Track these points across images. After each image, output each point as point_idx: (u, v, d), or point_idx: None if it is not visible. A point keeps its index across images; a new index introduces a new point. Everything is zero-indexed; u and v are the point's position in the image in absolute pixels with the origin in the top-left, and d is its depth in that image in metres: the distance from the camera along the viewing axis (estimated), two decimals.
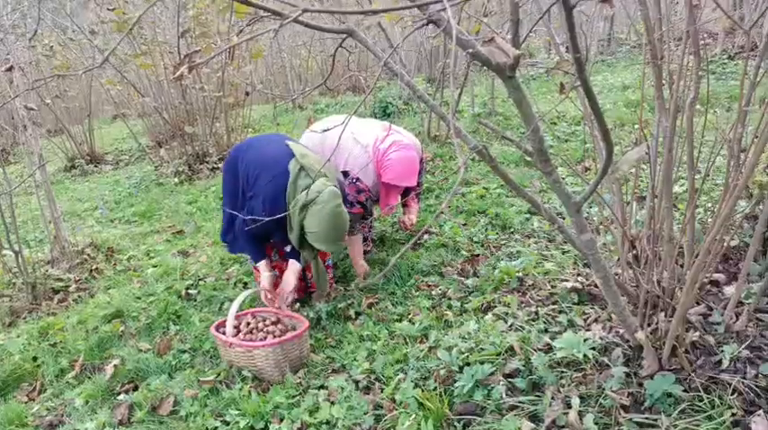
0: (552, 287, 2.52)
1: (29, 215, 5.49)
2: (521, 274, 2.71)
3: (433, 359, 2.14)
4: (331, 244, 2.56)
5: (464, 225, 3.78)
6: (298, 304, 3.00)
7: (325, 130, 2.76)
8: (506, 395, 1.81)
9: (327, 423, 1.99)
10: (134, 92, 6.87)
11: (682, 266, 1.97)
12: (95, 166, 7.80)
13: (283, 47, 9.62)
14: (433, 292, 2.89)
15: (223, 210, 2.95)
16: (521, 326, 2.20)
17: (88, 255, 3.90)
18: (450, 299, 2.76)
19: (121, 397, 2.44)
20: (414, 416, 1.83)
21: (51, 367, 2.71)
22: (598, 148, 2.06)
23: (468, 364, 2.02)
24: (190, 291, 3.33)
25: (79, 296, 3.50)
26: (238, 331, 2.61)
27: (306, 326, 2.50)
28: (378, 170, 3.18)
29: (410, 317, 2.67)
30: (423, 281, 3.06)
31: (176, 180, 6.12)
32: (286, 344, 2.40)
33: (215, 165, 6.42)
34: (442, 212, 3.99)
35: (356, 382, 2.18)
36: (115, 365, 2.60)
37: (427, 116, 5.72)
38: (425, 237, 3.64)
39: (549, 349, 1.98)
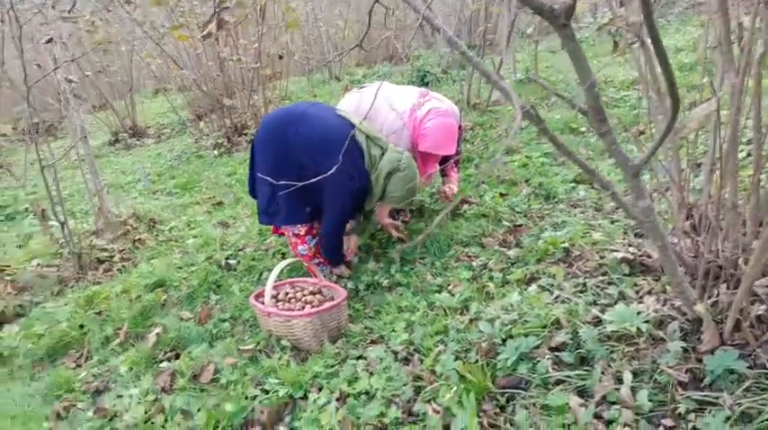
0: (601, 258, 2.39)
1: (75, 188, 5.64)
2: (566, 245, 2.59)
3: (474, 331, 2.07)
4: (408, 199, 2.85)
5: (505, 195, 3.66)
6: (335, 277, 2.98)
7: (362, 87, 2.75)
8: (552, 369, 1.73)
9: (366, 393, 1.96)
10: (173, 65, 6.91)
11: (744, 235, 1.82)
12: (138, 140, 7.94)
13: (319, 16, 9.48)
14: (474, 263, 2.80)
15: (252, 185, 2.91)
16: (567, 299, 2.10)
17: (131, 225, 3.97)
18: (491, 270, 2.67)
19: (164, 364, 2.47)
20: (455, 388, 1.78)
21: (97, 335, 2.78)
22: (653, 113, 1.91)
23: (511, 337, 1.94)
24: (230, 261, 3.35)
25: (123, 266, 3.58)
26: (277, 301, 2.60)
27: (344, 297, 2.47)
28: (414, 138, 3.08)
29: (450, 288, 2.60)
30: (463, 252, 2.97)
31: (215, 152, 6.16)
32: (324, 314, 2.37)
33: (253, 138, 6.42)
34: (482, 182, 3.88)
35: (395, 353, 2.13)
36: (158, 333, 2.64)
37: (467, 83, 5.55)
38: (465, 206, 3.53)
39: (598, 322, 1.88)
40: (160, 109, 9.83)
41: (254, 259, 3.34)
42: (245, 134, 6.52)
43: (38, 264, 3.71)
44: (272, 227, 2.99)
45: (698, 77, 1.92)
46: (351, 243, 3.06)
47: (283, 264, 2.52)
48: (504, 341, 1.93)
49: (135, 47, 7.00)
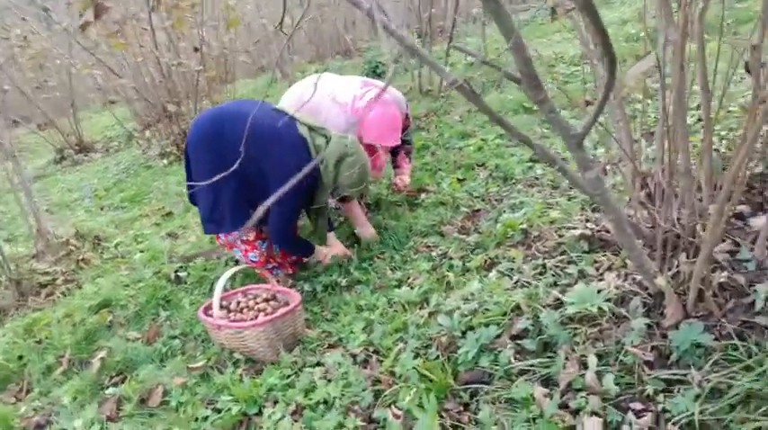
0: (560, 236, 2.31)
1: (18, 211, 5.32)
2: (525, 226, 2.50)
3: (433, 325, 1.97)
4: (362, 185, 2.68)
5: (463, 180, 3.57)
6: (290, 280, 2.84)
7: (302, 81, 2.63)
8: (515, 359, 1.64)
9: (324, 402, 1.83)
10: (113, 75, 6.60)
11: (701, 200, 1.76)
12: (85, 155, 7.61)
13: (264, 14, 9.24)
14: (433, 253, 2.70)
15: (191, 194, 2.75)
16: (527, 282, 2.01)
17: (74, 245, 3.74)
18: (450, 259, 2.57)
19: (109, 391, 2.30)
20: (415, 389, 1.67)
21: (38, 365, 2.58)
22: (600, 82, 1.83)
23: (471, 328, 1.83)
24: (179, 274, 3.17)
25: (67, 288, 3.36)
26: (229, 311, 2.45)
27: (298, 301, 2.33)
28: (359, 130, 2.96)
29: (409, 281, 2.49)
30: (422, 242, 2.87)
31: (164, 162, 5.92)
32: (278, 322, 2.23)
33: (186, 142, 6.20)
34: (439, 169, 3.78)
35: (353, 357, 2.01)
36: (102, 358, 2.45)
37: (417, 71, 5.45)
38: (422, 195, 3.43)
39: (559, 304, 1.79)
40: (108, 122, 9.45)
41: (205, 269, 3.17)
42: None
43: None
44: (217, 237, 2.82)
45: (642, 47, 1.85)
46: (334, 250, 2.91)
47: (230, 272, 2.37)
48: (464, 333, 1.83)
49: (71, 59, 6.66)
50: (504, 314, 1.84)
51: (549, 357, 1.60)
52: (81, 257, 3.61)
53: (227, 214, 2.58)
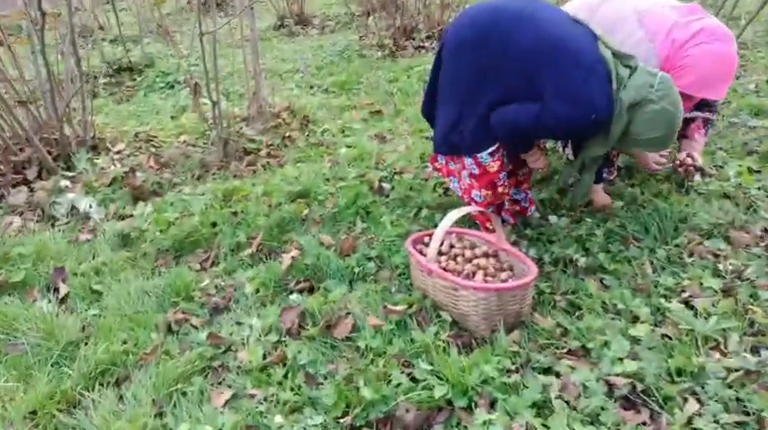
0: None
1: (235, 68, 5.38)
2: None
3: (749, 390, 1.32)
4: (665, 145, 1.99)
5: (757, 172, 2.67)
6: (512, 236, 2.31)
7: None
8: None
9: None
10: None
11: None
12: (303, 28, 7.56)
13: None
14: (721, 266, 1.97)
15: (428, 104, 2.25)
16: None
17: (283, 119, 3.55)
18: (753, 284, 1.84)
19: (294, 297, 2.03)
20: None
21: (229, 239, 2.41)
22: None
23: None
24: (383, 185, 2.80)
25: (268, 163, 3.19)
26: (440, 254, 2.01)
27: (534, 275, 1.80)
28: (667, 70, 2.19)
29: (686, 296, 1.83)
30: (699, 243, 2.14)
31: (380, 53, 5.55)
32: (505, 294, 1.74)
33: (421, 44, 5.72)
34: (720, 148, 2.89)
35: (609, 386, 1.46)
36: (293, 257, 2.19)
37: None
38: (697, 177, 2.62)
39: None
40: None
41: (411, 188, 2.75)
42: (413, 38, 5.82)
43: (184, 142, 3.46)
44: (433, 157, 2.35)
45: None
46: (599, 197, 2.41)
47: (459, 213, 1.89)
48: None
49: None
50: None
51: None
52: (288, 134, 3.41)
53: (467, 136, 2.07)
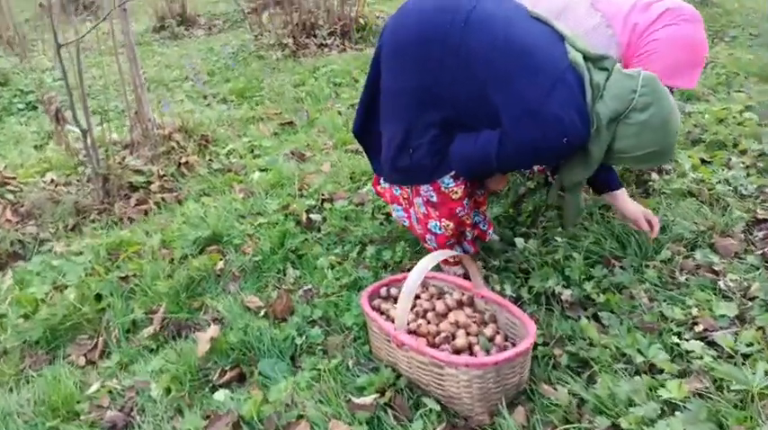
0: None
1: (110, 79, 4.60)
2: None
3: None
4: (664, 157, 1.60)
5: (707, 163, 2.51)
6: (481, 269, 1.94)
7: None
8: None
9: None
10: None
11: None
12: (186, 30, 6.79)
13: None
14: (722, 283, 1.71)
15: (362, 120, 1.82)
16: None
17: (177, 142, 2.94)
18: (765, 303, 1.59)
19: (220, 396, 1.51)
20: None
21: (120, 317, 1.83)
22: None
23: None
24: (312, 216, 2.32)
25: (163, 199, 2.59)
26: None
27: (533, 333, 1.42)
28: (627, 58, 1.91)
29: (700, 330, 1.54)
30: (687, 256, 1.87)
31: (280, 54, 5.01)
32: (504, 367, 1.35)
33: (324, 41, 5.24)
34: None
35: None
36: (213, 338, 1.66)
37: None
38: (654, 176, 2.40)
39: None
40: None
41: (346, 218, 2.31)
42: (315, 36, 5.32)
43: (52, 181, 2.75)
44: (375, 180, 1.94)
45: None
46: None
47: (433, 261, 1.47)
48: None
49: None
50: None
51: None
52: (184, 161, 2.82)
53: (420, 159, 1.66)
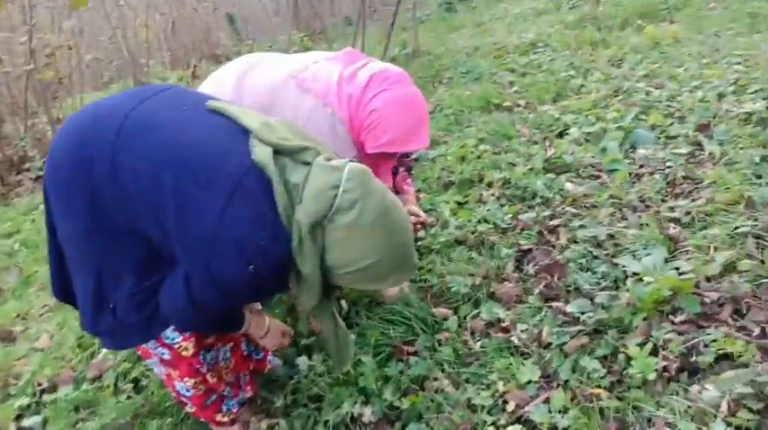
0: None
1: None
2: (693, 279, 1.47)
3: None
4: (403, 271, 1.23)
5: (463, 203, 2.51)
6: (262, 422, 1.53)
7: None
8: None
9: None
10: None
11: None
12: None
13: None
14: (514, 339, 1.56)
15: (57, 273, 1.33)
16: None
17: None
18: (564, 352, 1.46)
19: None
20: None
21: None
22: None
23: None
24: (25, 424, 1.67)
25: None
26: None
27: None
28: (357, 134, 1.74)
29: (511, 408, 1.33)
30: (475, 314, 1.72)
31: None
32: None
33: (39, 173, 4.46)
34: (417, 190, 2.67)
35: None
36: None
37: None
38: (421, 234, 2.29)
39: None
40: None
41: (77, 407, 1.71)
42: (28, 170, 4.53)
43: None
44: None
45: None
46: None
47: None
48: None
49: None
50: None
51: None
52: None
53: (125, 314, 1.22)
